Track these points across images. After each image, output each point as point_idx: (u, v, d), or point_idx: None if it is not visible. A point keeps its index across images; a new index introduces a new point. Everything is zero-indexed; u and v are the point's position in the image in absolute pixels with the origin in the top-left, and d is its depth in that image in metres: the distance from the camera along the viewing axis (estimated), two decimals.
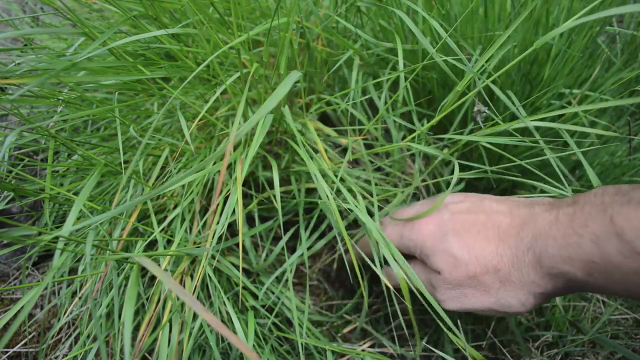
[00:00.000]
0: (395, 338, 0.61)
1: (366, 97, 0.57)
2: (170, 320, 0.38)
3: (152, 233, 0.41)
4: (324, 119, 0.63)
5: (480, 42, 0.56)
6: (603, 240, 0.28)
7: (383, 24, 0.57)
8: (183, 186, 0.44)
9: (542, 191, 0.65)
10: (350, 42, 0.53)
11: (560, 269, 0.31)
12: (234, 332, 0.42)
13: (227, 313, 0.43)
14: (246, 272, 0.54)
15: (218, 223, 0.39)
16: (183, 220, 0.43)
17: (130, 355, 0.22)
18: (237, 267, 0.48)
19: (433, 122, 0.43)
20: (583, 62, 0.61)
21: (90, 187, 0.31)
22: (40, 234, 0.44)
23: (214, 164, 0.42)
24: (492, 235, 0.37)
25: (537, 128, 0.60)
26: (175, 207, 0.45)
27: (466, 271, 0.37)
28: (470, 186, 0.64)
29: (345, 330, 0.60)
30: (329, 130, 0.57)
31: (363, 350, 0.59)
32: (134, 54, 0.46)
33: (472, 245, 0.37)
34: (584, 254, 0.30)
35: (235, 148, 0.43)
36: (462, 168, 0.66)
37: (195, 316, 0.41)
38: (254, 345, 0.44)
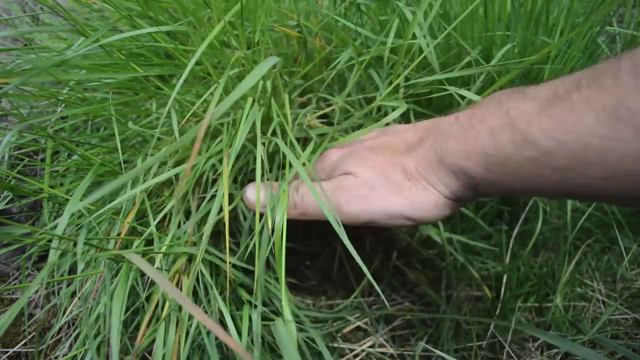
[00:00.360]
0: (396, 338, 0.61)
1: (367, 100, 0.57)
2: (167, 319, 0.38)
3: (149, 233, 0.41)
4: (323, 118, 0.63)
5: (480, 43, 0.56)
6: (498, 131, 0.29)
7: (383, 20, 0.57)
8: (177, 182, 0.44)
9: None
10: (350, 40, 0.53)
11: (461, 165, 0.32)
12: (227, 329, 0.42)
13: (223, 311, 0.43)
14: (246, 272, 0.54)
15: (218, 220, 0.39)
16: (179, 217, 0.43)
17: (117, 355, 0.22)
18: (236, 265, 0.48)
19: (400, 78, 0.43)
20: (583, 62, 0.61)
21: (84, 187, 0.31)
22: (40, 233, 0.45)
23: (208, 158, 0.42)
24: (400, 147, 0.37)
25: None
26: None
27: (374, 166, 0.36)
28: None
29: (345, 330, 0.60)
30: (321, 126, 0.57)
31: (363, 351, 0.59)
32: (133, 54, 0.46)
33: (382, 152, 0.37)
34: (481, 147, 0.30)
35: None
36: None
37: (191, 315, 0.41)
38: (252, 343, 0.44)
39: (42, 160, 0.60)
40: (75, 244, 0.34)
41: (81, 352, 0.43)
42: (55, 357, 0.53)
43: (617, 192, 0.25)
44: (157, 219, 0.42)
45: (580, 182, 0.26)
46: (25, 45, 0.63)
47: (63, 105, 0.49)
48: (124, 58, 0.41)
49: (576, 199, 0.29)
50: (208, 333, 0.41)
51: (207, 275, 0.40)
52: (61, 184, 0.53)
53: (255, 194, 0.39)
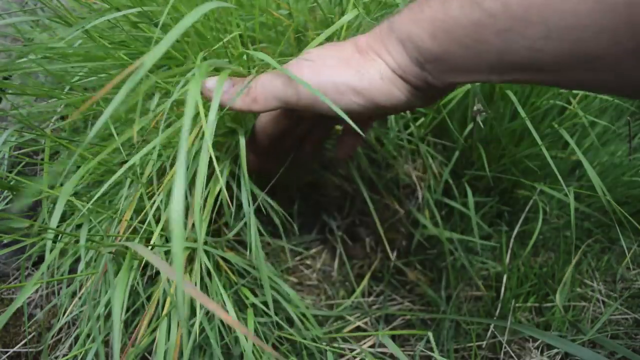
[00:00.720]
0: (396, 338, 0.61)
1: None
2: (169, 318, 0.38)
3: (150, 232, 0.41)
4: None
5: None
6: None
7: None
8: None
9: (542, 192, 0.65)
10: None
11: (409, 32, 0.32)
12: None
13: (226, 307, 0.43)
14: (247, 270, 0.54)
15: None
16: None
17: (119, 350, 0.22)
18: (235, 264, 0.48)
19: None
20: None
21: (73, 184, 0.31)
22: (39, 233, 0.45)
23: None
24: (358, 35, 0.37)
25: (537, 127, 0.60)
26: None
27: (328, 45, 0.37)
28: (470, 186, 0.64)
29: (345, 330, 0.60)
30: None
31: (363, 351, 0.59)
32: (131, 53, 0.46)
33: (339, 42, 0.38)
34: (431, 12, 0.30)
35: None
36: (463, 167, 0.66)
37: (193, 312, 0.41)
38: (253, 344, 0.44)
39: (43, 160, 0.60)
40: (77, 241, 0.34)
41: (81, 352, 0.43)
42: (56, 357, 0.53)
43: (556, 54, 0.26)
44: (154, 207, 0.41)
45: (522, 44, 0.27)
46: (25, 45, 0.63)
47: (63, 105, 0.49)
48: (109, 45, 0.41)
49: (518, 76, 0.30)
50: (212, 328, 0.41)
51: (211, 268, 0.40)
52: (61, 184, 0.53)
53: (212, 83, 0.37)
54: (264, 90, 0.36)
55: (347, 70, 0.34)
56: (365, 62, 0.34)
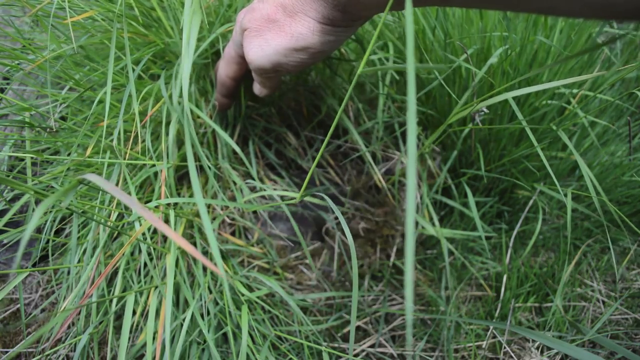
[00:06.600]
0: (396, 338, 0.61)
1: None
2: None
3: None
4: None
5: (477, 43, 0.56)
6: None
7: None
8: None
9: (542, 192, 0.65)
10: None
11: None
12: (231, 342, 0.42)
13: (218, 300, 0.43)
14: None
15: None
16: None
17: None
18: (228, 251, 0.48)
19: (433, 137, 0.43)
20: (582, 62, 0.61)
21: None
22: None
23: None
24: None
25: (536, 129, 0.60)
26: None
27: (261, 14, 0.41)
28: (470, 186, 0.64)
29: (345, 330, 0.60)
30: None
31: (363, 351, 0.59)
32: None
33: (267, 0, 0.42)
34: None
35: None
36: (461, 166, 0.66)
37: (187, 306, 0.41)
38: (252, 342, 0.44)
39: (44, 160, 0.60)
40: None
41: (78, 340, 0.43)
42: (56, 357, 0.53)
43: None
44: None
45: None
46: (24, 46, 0.63)
47: (63, 106, 0.49)
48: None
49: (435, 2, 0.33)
50: (209, 329, 0.41)
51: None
52: (61, 184, 0.53)
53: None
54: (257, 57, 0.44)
55: (284, 37, 0.40)
56: (296, 25, 0.39)
